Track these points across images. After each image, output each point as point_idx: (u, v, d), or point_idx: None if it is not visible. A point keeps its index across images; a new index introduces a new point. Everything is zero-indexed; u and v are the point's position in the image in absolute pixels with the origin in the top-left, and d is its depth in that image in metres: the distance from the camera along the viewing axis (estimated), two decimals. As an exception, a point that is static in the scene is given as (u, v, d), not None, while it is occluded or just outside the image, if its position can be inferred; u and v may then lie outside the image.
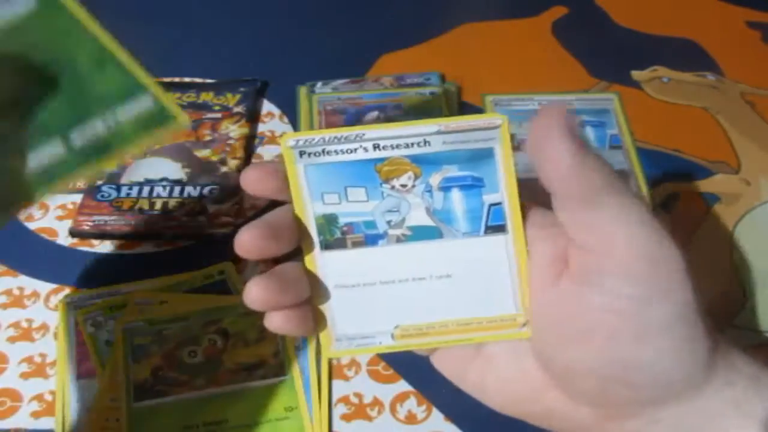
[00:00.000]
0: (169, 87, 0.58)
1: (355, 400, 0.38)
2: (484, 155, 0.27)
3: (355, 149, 0.27)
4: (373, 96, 0.56)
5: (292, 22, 0.67)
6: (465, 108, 0.56)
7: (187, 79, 0.60)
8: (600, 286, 0.24)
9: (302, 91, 0.58)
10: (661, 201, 0.48)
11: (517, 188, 0.27)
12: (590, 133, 0.53)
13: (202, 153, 0.52)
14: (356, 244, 0.28)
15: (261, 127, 0.55)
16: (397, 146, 0.27)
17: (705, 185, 0.50)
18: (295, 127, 0.55)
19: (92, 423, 0.36)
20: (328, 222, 0.27)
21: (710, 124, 0.55)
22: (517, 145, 0.52)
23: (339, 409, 0.37)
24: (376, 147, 0.27)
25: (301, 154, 0.27)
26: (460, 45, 0.64)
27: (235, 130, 0.54)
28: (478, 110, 0.55)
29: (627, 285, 0.23)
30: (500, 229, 0.28)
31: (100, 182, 0.49)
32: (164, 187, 0.49)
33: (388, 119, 0.54)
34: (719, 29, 0.66)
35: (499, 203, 0.28)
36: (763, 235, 0.46)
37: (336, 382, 0.38)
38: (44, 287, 0.43)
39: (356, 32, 0.66)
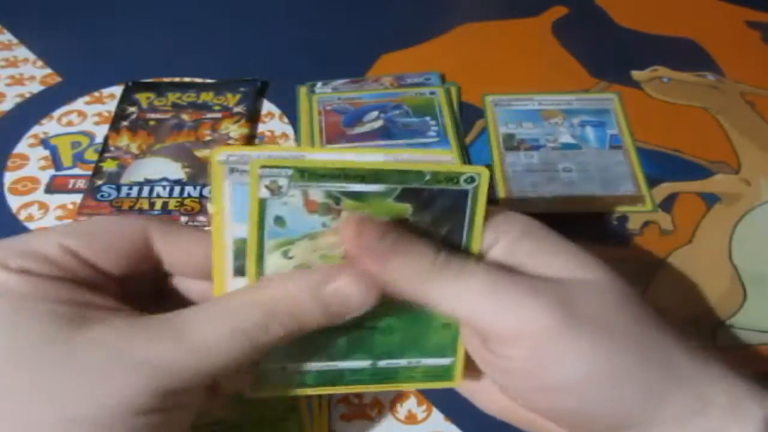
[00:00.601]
0: (169, 87, 0.58)
1: (355, 400, 0.38)
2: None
3: None
4: (373, 96, 0.56)
5: (292, 22, 0.67)
6: (465, 108, 0.56)
7: (187, 79, 0.60)
8: (493, 352, 0.24)
9: (302, 91, 0.58)
10: (661, 201, 0.48)
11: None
12: (590, 132, 0.53)
13: (202, 153, 0.52)
14: None
15: (261, 127, 0.55)
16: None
17: (705, 185, 0.50)
18: (295, 127, 0.55)
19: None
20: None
21: (710, 124, 0.55)
22: (516, 145, 0.52)
23: (339, 409, 0.37)
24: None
25: (232, 171, 0.25)
26: (460, 45, 0.64)
27: (235, 130, 0.54)
28: (478, 111, 0.55)
29: (512, 351, 0.23)
30: None
31: (100, 182, 0.49)
32: (164, 187, 0.49)
33: (389, 120, 0.54)
34: (719, 29, 0.66)
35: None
36: (763, 235, 0.46)
37: (336, 382, 0.38)
38: (44, 287, 0.43)
39: (356, 32, 0.66)
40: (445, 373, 0.28)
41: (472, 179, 0.24)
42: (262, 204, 0.24)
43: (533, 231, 0.25)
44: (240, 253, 0.25)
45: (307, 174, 0.24)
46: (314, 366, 0.27)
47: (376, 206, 0.25)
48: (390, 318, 0.27)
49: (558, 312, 0.23)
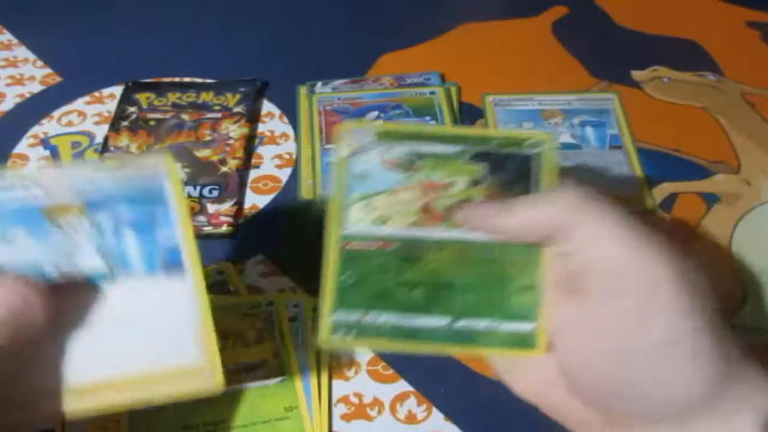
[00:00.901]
0: (169, 87, 0.58)
1: (355, 400, 0.38)
2: (156, 193, 0.27)
3: (19, 192, 0.26)
4: (373, 96, 0.56)
5: (292, 22, 0.67)
6: (465, 108, 0.56)
7: (187, 79, 0.60)
8: (586, 303, 0.24)
9: (302, 91, 0.58)
10: (661, 201, 0.48)
11: (191, 227, 0.27)
12: (590, 132, 0.53)
13: (202, 153, 0.52)
14: None
15: (261, 127, 0.55)
16: (64, 188, 0.27)
17: (705, 185, 0.50)
18: (295, 127, 0.55)
19: (91, 423, 0.36)
20: None
21: (710, 124, 0.55)
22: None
23: (339, 409, 0.37)
24: (46, 194, 0.26)
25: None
26: (460, 45, 0.64)
27: (235, 130, 0.54)
28: (478, 111, 0.55)
29: (609, 302, 0.23)
30: (176, 268, 0.27)
31: (100, 182, 0.49)
32: (164, 187, 0.49)
33: (389, 120, 0.54)
34: (719, 29, 0.66)
35: (174, 242, 0.27)
36: (763, 235, 0.46)
37: (336, 382, 0.38)
38: (44, 287, 0.43)
39: (356, 32, 0.66)
40: (526, 340, 0.27)
41: (535, 145, 0.27)
42: (347, 161, 0.28)
43: (608, 213, 0.25)
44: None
45: (389, 136, 0.28)
46: (390, 319, 0.27)
47: (451, 166, 0.27)
48: (468, 275, 0.27)
49: (644, 265, 0.23)
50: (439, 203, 0.28)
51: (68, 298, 0.26)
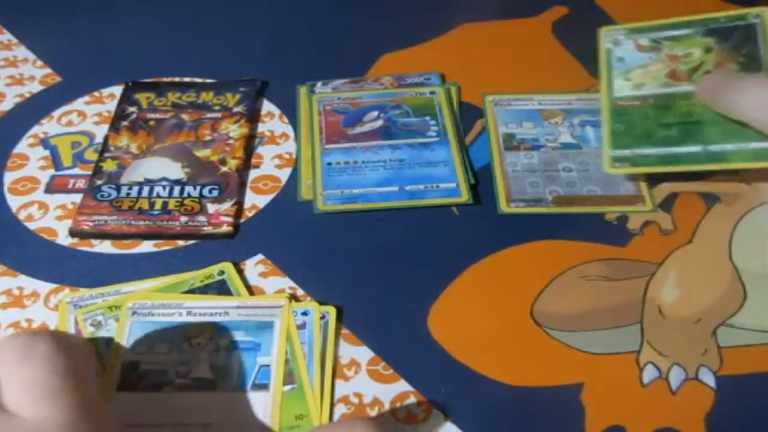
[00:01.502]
0: (169, 87, 0.58)
1: (355, 400, 0.38)
2: (266, 327, 0.37)
3: (173, 314, 0.37)
4: (373, 96, 0.56)
5: (292, 22, 0.67)
6: (465, 108, 0.56)
7: (187, 79, 0.60)
8: None
9: (302, 91, 0.58)
10: (661, 201, 0.48)
11: (284, 354, 0.36)
12: (590, 132, 0.53)
13: (202, 153, 0.52)
14: (148, 389, 0.35)
15: (261, 127, 0.55)
16: (203, 314, 0.37)
17: (705, 185, 0.50)
18: (295, 126, 0.55)
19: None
20: (131, 368, 0.36)
21: (710, 124, 0.55)
22: (516, 145, 0.52)
23: (339, 409, 0.37)
24: (189, 313, 0.38)
25: (133, 313, 0.38)
26: (460, 45, 0.64)
27: (235, 130, 0.54)
28: (478, 111, 0.55)
29: None
30: (263, 387, 0.36)
31: (100, 182, 0.49)
32: (164, 186, 0.49)
33: (388, 120, 0.54)
34: (719, 29, 0.66)
35: (267, 365, 0.36)
36: (763, 235, 0.46)
37: (336, 382, 0.38)
38: (44, 287, 0.43)
39: (356, 32, 0.66)
40: None
41: (756, 15, 0.37)
42: (608, 51, 0.44)
43: None
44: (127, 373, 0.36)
45: (636, 29, 0.43)
46: (654, 151, 0.39)
47: (687, 42, 0.39)
48: (713, 114, 0.37)
49: None
50: (682, 68, 0.39)
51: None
